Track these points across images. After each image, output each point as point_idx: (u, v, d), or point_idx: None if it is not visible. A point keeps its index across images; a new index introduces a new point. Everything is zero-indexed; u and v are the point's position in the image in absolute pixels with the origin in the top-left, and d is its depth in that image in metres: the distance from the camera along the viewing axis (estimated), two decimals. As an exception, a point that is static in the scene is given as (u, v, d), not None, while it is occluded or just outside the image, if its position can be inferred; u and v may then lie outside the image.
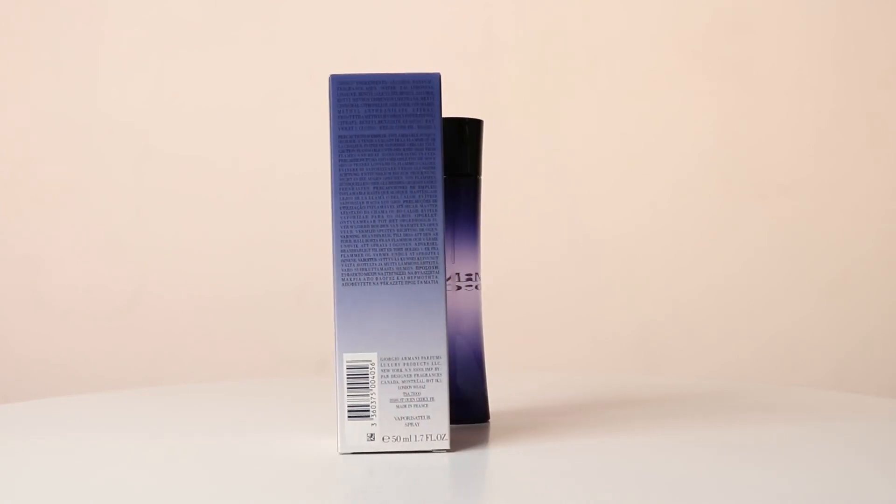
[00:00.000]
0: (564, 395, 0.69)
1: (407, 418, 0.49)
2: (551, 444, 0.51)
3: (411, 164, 0.49)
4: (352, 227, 0.49)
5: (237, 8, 1.29)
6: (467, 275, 0.56)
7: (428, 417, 0.48)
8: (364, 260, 0.49)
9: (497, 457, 0.49)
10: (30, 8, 1.29)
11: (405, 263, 0.49)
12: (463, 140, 0.56)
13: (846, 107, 1.25)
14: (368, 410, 0.49)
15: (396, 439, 0.49)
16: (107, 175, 1.28)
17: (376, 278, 0.49)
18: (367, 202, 0.49)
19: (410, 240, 0.49)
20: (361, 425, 0.49)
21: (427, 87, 0.49)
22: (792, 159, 1.25)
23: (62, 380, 1.26)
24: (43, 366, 1.27)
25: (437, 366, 0.48)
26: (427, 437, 0.49)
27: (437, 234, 0.49)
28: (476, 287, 0.57)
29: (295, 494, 0.42)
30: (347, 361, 0.49)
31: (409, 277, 0.48)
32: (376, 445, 0.49)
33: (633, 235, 1.25)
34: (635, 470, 0.45)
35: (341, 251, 0.49)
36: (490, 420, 0.58)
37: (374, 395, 0.49)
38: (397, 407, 0.48)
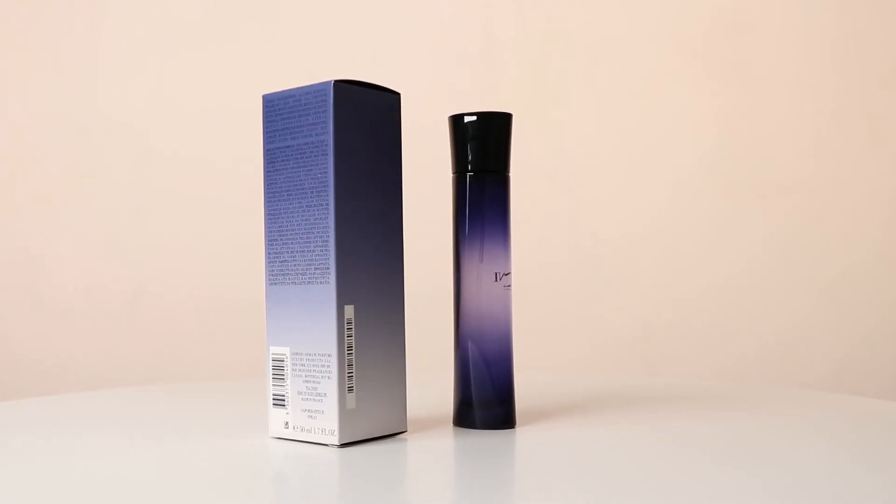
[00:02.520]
0: (564, 396, 0.69)
1: (308, 411, 0.51)
2: (544, 441, 0.51)
3: (311, 171, 0.51)
4: (274, 231, 0.53)
5: (237, 8, 1.29)
6: (503, 273, 0.55)
7: (322, 412, 0.50)
8: (282, 262, 0.53)
9: (443, 454, 0.49)
10: (30, 8, 1.29)
11: (307, 265, 0.51)
12: (486, 135, 0.55)
13: (846, 107, 1.25)
14: (284, 400, 0.52)
15: (302, 429, 0.52)
16: (107, 175, 1.28)
17: (289, 278, 0.52)
18: (283, 208, 0.53)
19: (310, 242, 0.51)
20: (280, 413, 0.53)
21: (321, 95, 0.51)
22: (792, 159, 1.25)
23: (62, 380, 1.26)
24: (43, 366, 1.27)
25: (328, 363, 0.50)
26: (322, 431, 0.51)
27: (329, 236, 0.50)
28: (505, 287, 0.55)
29: (211, 476, 0.43)
30: (272, 354, 0.53)
31: (309, 278, 0.51)
32: (289, 433, 0.52)
33: (634, 235, 1.25)
34: (629, 470, 0.45)
35: (268, 253, 0.53)
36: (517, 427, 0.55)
37: (287, 386, 0.52)
38: (302, 399, 0.51)
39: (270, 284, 0.53)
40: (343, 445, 0.50)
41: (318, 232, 0.51)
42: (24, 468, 0.48)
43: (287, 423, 0.52)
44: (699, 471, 0.45)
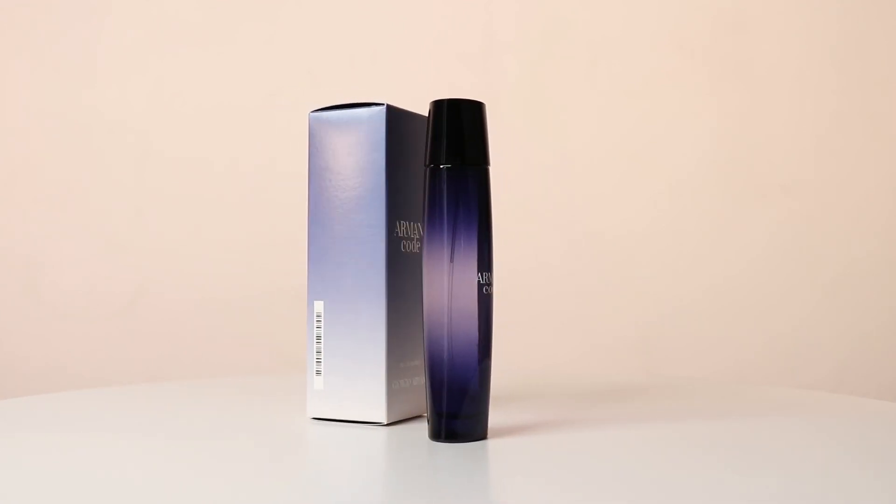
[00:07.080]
0: (564, 395, 0.69)
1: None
2: (534, 440, 0.51)
3: None
4: None
5: (237, 8, 1.29)
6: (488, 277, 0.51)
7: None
8: None
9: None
10: (30, 8, 1.29)
11: None
12: (453, 125, 0.51)
13: (846, 107, 1.25)
14: None
15: None
16: (107, 175, 1.28)
17: None
18: None
19: None
20: None
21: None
22: (792, 159, 1.25)
23: (62, 380, 1.26)
24: (43, 366, 1.27)
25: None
26: None
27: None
28: (484, 290, 0.50)
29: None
30: None
31: None
32: None
33: (634, 235, 1.25)
34: (627, 471, 0.45)
35: None
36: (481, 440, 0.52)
37: None
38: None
39: None
40: (315, 420, 0.57)
41: None
42: (28, 462, 0.48)
43: None
44: (698, 471, 0.45)
